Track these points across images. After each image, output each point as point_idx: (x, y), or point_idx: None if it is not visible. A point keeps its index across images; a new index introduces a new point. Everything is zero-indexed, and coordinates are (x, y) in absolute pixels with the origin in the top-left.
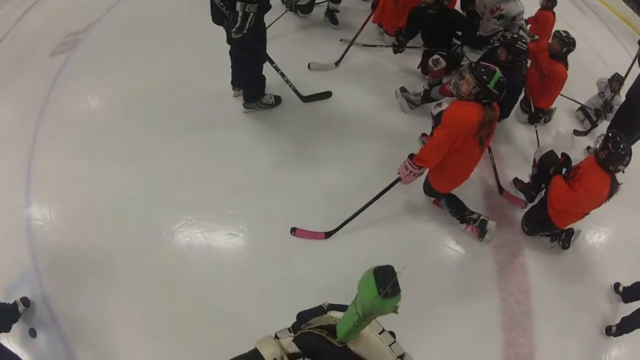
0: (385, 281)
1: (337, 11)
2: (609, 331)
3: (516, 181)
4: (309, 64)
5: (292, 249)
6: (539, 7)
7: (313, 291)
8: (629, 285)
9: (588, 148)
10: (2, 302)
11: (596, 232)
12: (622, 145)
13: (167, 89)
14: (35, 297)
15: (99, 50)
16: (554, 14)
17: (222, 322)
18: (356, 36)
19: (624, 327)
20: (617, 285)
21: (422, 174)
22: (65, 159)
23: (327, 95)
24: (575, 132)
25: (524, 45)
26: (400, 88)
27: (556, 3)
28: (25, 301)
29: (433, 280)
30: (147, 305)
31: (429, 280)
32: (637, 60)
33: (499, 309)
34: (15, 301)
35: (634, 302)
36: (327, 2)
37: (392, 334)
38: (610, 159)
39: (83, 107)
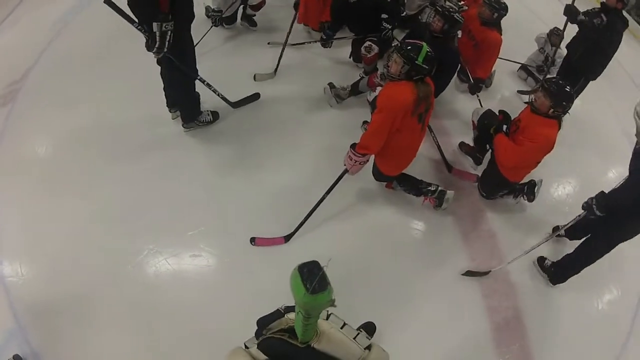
0: (311, 277)
1: (254, 15)
2: (541, 262)
3: (462, 145)
4: (254, 75)
5: (254, 258)
6: None
7: (281, 296)
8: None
9: None
10: None
11: (560, 184)
12: (556, 89)
13: (108, 120)
14: (26, 354)
15: (39, 95)
16: None
17: (200, 341)
18: (286, 40)
19: (567, 268)
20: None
21: (367, 161)
22: (25, 210)
23: (255, 97)
24: (520, 92)
25: (461, 17)
26: (329, 84)
27: None
28: (18, 359)
29: (401, 263)
30: (130, 340)
31: (396, 264)
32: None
33: (475, 279)
34: None
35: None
36: (242, 8)
37: (372, 325)
38: (551, 103)
39: (32, 154)
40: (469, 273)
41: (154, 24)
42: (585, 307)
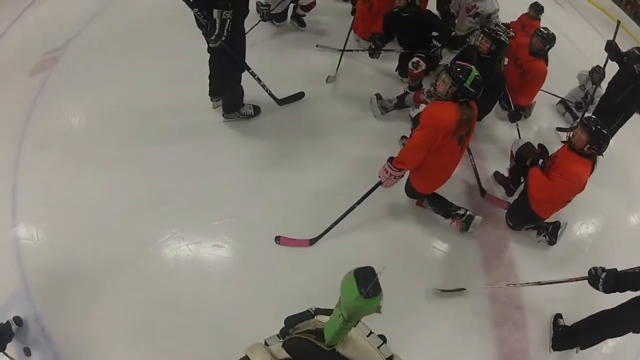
0: (366, 282)
1: (304, 15)
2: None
3: (496, 174)
4: (327, 77)
5: (277, 257)
6: (525, 11)
7: (300, 297)
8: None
9: None
10: None
11: (583, 222)
12: (594, 128)
13: (146, 102)
14: (28, 316)
15: (77, 67)
16: (540, 20)
17: (213, 332)
18: (345, 44)
19: (569, 342)
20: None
21: (402, 176)
22: (49, 177)
23: (300, 96)
24: (559, 129)
25: (507, 39)
26: (376, 95)
27: (543, 11)
28: (18, 320)
29: (420, 281)
30: (137, 320)
31: (416, 281)
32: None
33: (489, 306)
34: (8, 321)
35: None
36: (293, 7)
37: (382, 337)
38: (588, 139)
39: (64, 125)
40: (442, 290)
41: (215, 11)
42: (590, 350)
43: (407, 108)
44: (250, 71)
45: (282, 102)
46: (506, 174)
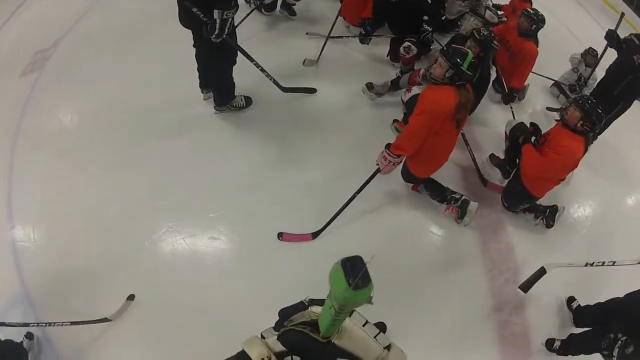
0: (354, 272)
1: (294, 4)
2: (550, 345)
3: (492, 157)
4: (304, 60)
5: (274, 248)
6: None
7: (300, 288)
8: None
9: None
10: (9, 340)
11: (581, 205)
12: (587, 105)
13: (137, 97)
14: (28, 319)
15: (68, 66)
16: (531, 3)
17: (210, 325)
18: (330, 31)
19: (572, 347)
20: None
21: (401, 162)
22: (44, 178)
23: (311, 91)
24: (548, 109)
25: (497, 44)
26: (367, 85)
27: None
28: (30, 336)
29: (419, 267)
30: (138, 317)
31: (414, 267)
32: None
33: (488, 290)
34: (21, 341)
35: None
36: None
37: (383, 325)
38: (581, 115)
39: (56, 125)
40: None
41: (215, 11)
42: None
43: (399, 90)
44: (254, 62)
45: (287, 89)
46: (502, 157)
